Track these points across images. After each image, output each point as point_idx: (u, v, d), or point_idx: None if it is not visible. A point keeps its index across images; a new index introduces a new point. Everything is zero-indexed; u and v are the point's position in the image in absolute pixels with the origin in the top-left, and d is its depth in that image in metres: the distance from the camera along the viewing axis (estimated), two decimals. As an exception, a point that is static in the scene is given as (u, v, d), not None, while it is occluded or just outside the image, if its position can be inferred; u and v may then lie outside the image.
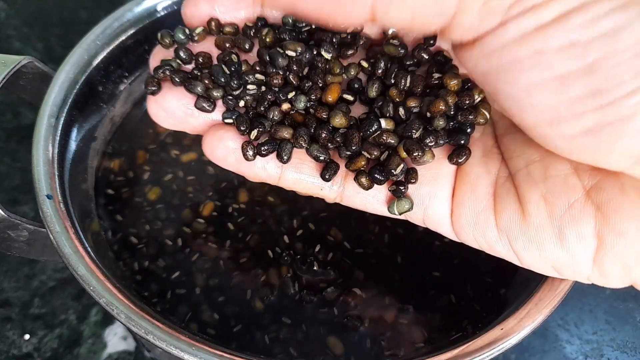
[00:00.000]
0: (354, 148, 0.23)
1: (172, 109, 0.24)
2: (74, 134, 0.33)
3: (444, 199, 0.23)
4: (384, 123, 0.23)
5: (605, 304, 0.40)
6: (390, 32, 0.24)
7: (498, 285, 0.32)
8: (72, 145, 0.33)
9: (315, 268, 0.33)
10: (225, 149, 0.23)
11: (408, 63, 0.24)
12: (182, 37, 0.24)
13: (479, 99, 0.23)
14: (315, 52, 0.24)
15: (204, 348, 0.24)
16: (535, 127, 0.19)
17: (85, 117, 0.34)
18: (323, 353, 0.30)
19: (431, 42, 0.24)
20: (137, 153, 0.37)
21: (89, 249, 0.28)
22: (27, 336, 0.37)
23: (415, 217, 0.24)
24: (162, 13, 0.36)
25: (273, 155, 0.23)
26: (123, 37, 0.35)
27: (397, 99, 0.23)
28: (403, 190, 0.23)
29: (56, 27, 0.53)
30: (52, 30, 0.53)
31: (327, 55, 0.23)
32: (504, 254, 0.22)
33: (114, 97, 0.37)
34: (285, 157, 0.23)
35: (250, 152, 0.23)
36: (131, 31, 0.35)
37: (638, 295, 0.40)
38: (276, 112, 0.23)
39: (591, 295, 0.40)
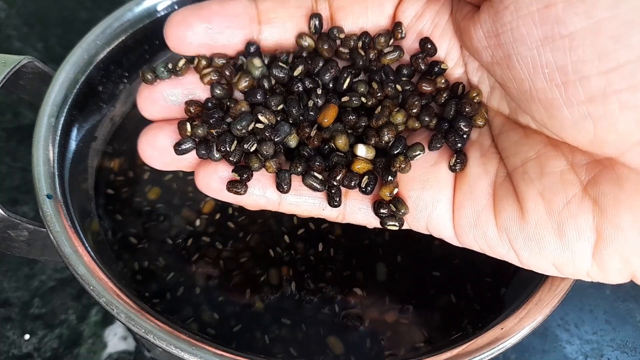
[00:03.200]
0: (334, 183, 0.23)
1: (165, 147, 0.24)
2: (74, 133, 0.33)
3: (445, 203, 0.23)
4: (364, 151, 0.23)
5: (606, 304, 0.40)
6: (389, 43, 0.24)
7: (498, 285, 0.32)
8: (72, 145, 0.33)
9: (315, 268, 0.33)
10: (220, 182, 0.23)
11: (404, 72, 0.24)
12: (166, 74, 0.24)
13: (477, 99, 0.23)
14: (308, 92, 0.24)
15: (204, 348, 0.24)
16: (545, 90, 0.19)
17: (85, 117, 0.34)
18: (323, 353, 0.30)
19: (430, 49, 0.24)
20: (137, 153, 0.37)
21: (89, 249, 0.28)
22: (27, 336, 0.37)
23: (419, 225, 0.24)
24: (162, 13, 0.36)
25: (271, 182, 0.23)
26: (123, 37, 0.35)
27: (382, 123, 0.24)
28: (387, 214, 0.23)
29: (56, 27, 0.53)
30: (52, 30, 0.53)
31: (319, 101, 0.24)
32: (504, 255, 0.22)
33: (114, 97, 0.37)
34: (286, 187, 0.23)
35: (241, 188, 0.23)
36: (131, 31, 0.35)
37: (638, 296, 0.40)
38: (269, 148, 0.23)
39: (591, 296, 0.40)
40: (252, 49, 0.24)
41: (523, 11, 0.19)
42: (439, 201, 0.23)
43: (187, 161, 0.24)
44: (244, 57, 0.24)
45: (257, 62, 0.23)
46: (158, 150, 0.24)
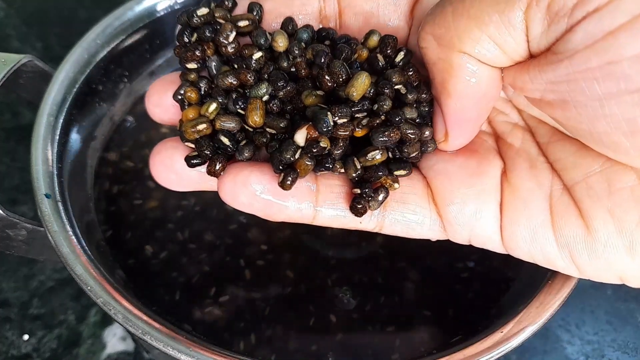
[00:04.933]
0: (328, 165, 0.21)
1: (185, 170, 0.22)
2: (74, 133, 0.33)
3: (491, 216, 0.22)
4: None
5: (607, 304, 0.40)
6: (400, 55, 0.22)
7: (499, 289, 0.32)
8: (72, 144, 0.32)
9: (316, 276, 0.32)
10: (251, 195, 0.21)
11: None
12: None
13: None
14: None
15: (202, 349, 0.24)
16: (607, 135, 0.18)
17: (84, 116, 0.34)
18: (325, 356, 0.30)
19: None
20: (136, 152, 0.37)
21: (87, 249, 0.27)
22: (26, 336, 0.37)
23: (461, 237, 0.23)
24: (163, 12, 0.36)
25: (307, 195, 0.22)
26: (123, 36, 0.35)
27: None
28: (361, 207, 0.21)
29: (55, 27, 0.53)
30: (52, 30, 0.53)
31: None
32: (562, 268, 0.21)
33: (114, 96, 0.37)
34: (289, 183, 0.21)
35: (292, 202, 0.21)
36: (131, 30, 0.35)
37: (639, 296, 0.40)
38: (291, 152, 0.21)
39: (592, 296, 0.40)
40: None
41: (580, 67, 0.17)
42: (482, 215, 0.22)
43: (213, 181, 0.22)
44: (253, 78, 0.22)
45: (263, 87, 0.21)
46: (176, 173, 0.22)
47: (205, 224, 0.34)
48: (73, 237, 0.27)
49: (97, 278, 0.26)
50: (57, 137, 0.31)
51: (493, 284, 0.32)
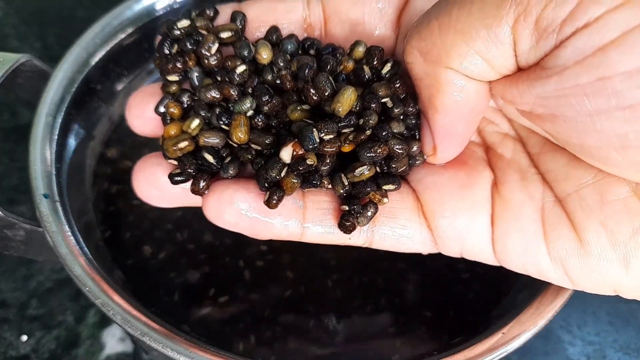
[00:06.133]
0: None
1: (167, 185, 0.21)
2: (72, 132, 0.33)
3: (482, 229, 0.21)
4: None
5: (608, 305, 0.40)
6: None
7: (500, 290, 0.32)
8: (70, 144, 0.32)
9: (314, 278, 0.32)
10: (236, 214, 0.20)
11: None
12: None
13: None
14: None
15: (200, 350, 0.24)
16: (598, 149, 0.18)
17: (83, 116, 0.34)
18: (325, 358, 0.30)
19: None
20: (135, 152, 0.37)
21: (86, 249, 0.27)
22: (24, 337, 0.37)
23: (452, 250, 0.22)
24: (161, 12, 0.36)
25: (294, 212, 0.21)
26: (122, 36, 0.35)
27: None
28: (349, 223, 0.21)
29: (54, 26, 0.53)
30: (51, 29, 0.53)
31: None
32: (556, 280, 0.21)
33: (113, 96, 0.37)
34: (275, 202, 0.20)
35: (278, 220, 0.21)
36: (130, 29, 0.35)
37: (641, 297, 0.40)
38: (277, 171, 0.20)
39: (594, 297, 0.40)
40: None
41: (570, 83, 0.17)
42: (473, 228, 0.21)
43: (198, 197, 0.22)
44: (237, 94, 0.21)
45: (247, 102, 0.21)
46: (160, 189, 0.22)
47: (204, 224, 0.34)
48: (71, 237, 0.27)
49: (96, 279, 0.25)
50: (56, 137, 0.30)
51: (494, 284, 0.32)
